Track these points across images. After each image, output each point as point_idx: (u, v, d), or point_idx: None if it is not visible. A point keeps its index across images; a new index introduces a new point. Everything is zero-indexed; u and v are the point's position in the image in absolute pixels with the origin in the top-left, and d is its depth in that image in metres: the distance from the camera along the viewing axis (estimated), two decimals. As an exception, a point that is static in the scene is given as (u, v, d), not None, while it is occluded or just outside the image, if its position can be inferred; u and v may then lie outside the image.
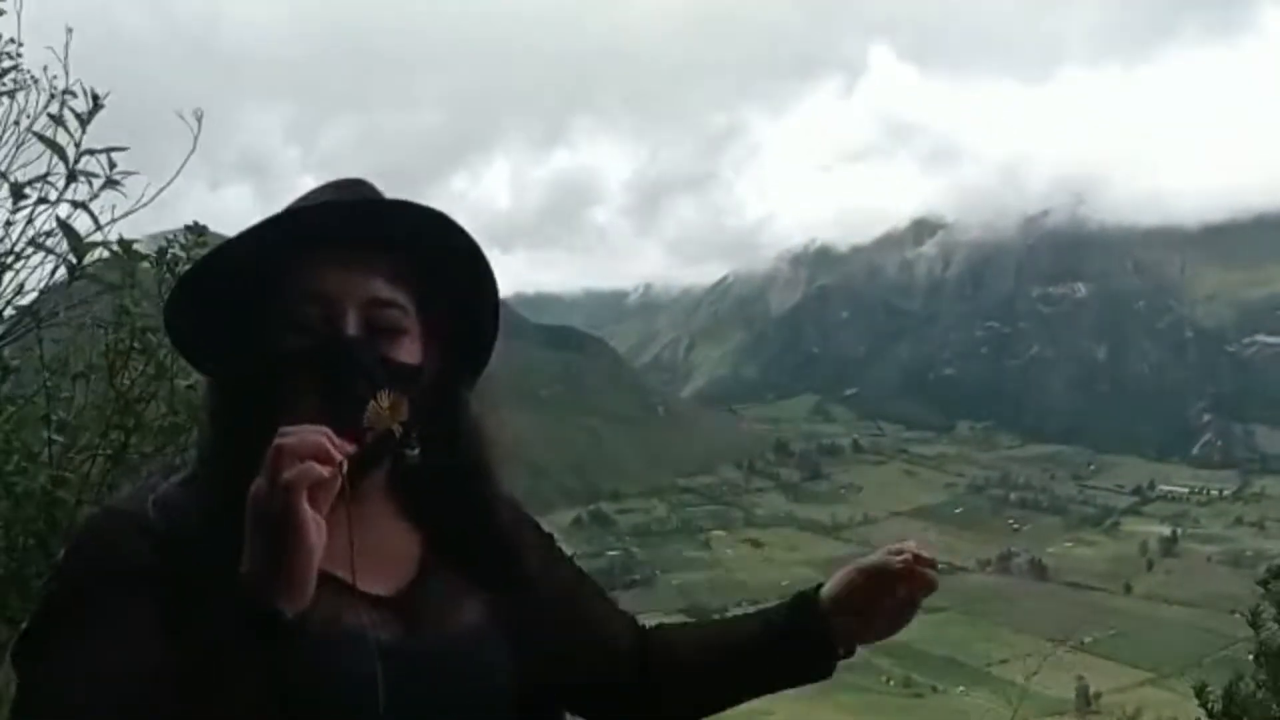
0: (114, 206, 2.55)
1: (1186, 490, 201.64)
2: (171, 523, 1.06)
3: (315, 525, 0.91)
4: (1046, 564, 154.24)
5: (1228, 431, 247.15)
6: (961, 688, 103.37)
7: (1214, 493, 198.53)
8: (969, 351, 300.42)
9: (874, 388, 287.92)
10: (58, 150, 2.44)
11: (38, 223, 2.50)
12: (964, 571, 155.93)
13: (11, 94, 2.52)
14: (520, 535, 1.28)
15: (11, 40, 2.58)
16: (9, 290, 2.58)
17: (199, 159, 2.52)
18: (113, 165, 2.49)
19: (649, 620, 1.45)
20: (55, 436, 2.52)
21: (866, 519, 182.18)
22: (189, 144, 2.56)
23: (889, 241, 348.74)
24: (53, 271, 2.53)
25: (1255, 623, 3.76)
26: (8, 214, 2.52)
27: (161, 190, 2.57)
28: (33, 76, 2.47)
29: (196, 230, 2.68)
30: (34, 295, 2.61)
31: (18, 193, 2.48)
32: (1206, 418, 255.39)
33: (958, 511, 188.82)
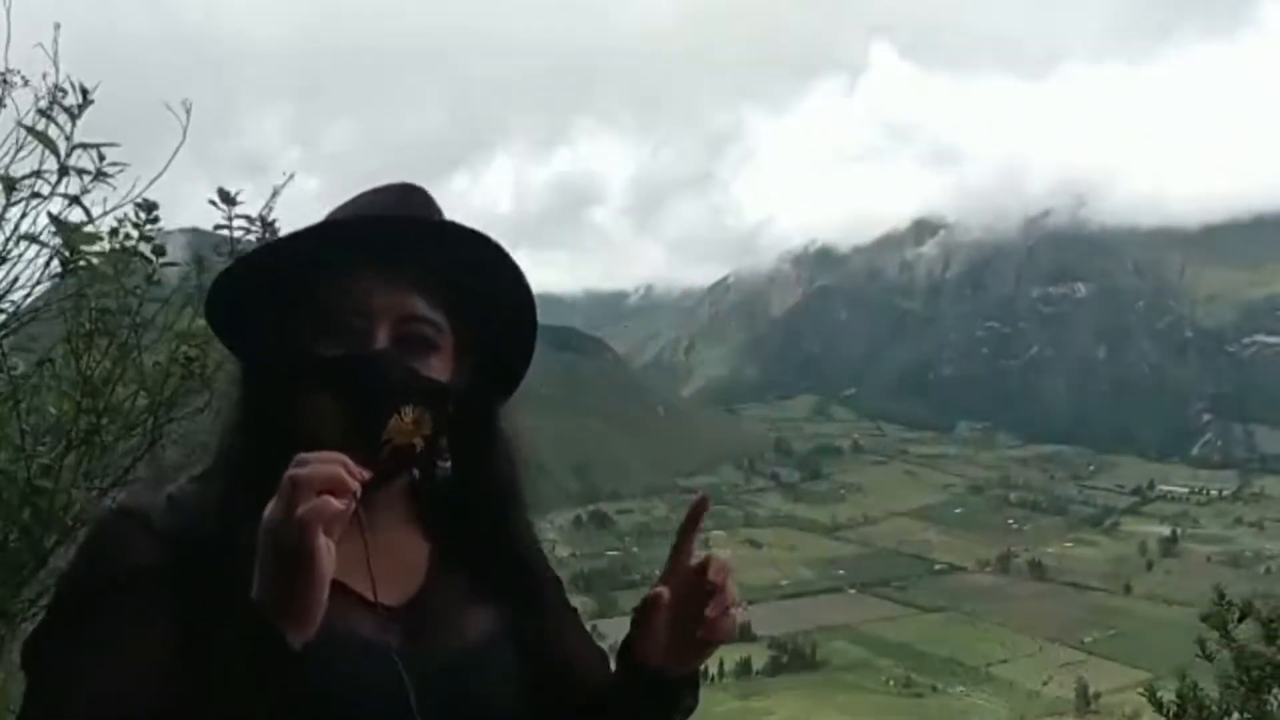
0: (105, 200, 2.57)
1: (1186, 490, 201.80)
2: (183, 523, 1.06)
3: (328, 557, 0.91)
4: (1046, 564, 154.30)
5: (1227, 432, 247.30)
6: (961, 688, 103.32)
7: (1214, 493, 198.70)
8: (969, 352, 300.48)
9: (874, 388, 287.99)
10: (49, 145, 2.44)
11: (31, 218, 2.52)
12: (963, 572, 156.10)
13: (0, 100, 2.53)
14: (537, 558, 1.29)
15: None
16: (3, 285, 2.60)
17: (200, 160, 2.52)
18: (102, 159, 2.49)
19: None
20: (24, 424, 2.52)
21: (866, 519, 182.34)
22: (188, 142, 2.57)
23: (889, 242, 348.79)
24: (46, 264, 2.55)
25: (1207, 655, 3.76)
26: (0, 209, 2.52)
27: (151, 183, 2.60)
28: (23, 76, 2.49)
29: (147, 207, 2.66)
30: (24, 291, 2.62)
31: (10, 187, 2.48)
32: (1206, 418, 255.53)
33: (957, 512, 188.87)
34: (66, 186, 2.49)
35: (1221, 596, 3.67)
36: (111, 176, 2.53)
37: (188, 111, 2.57)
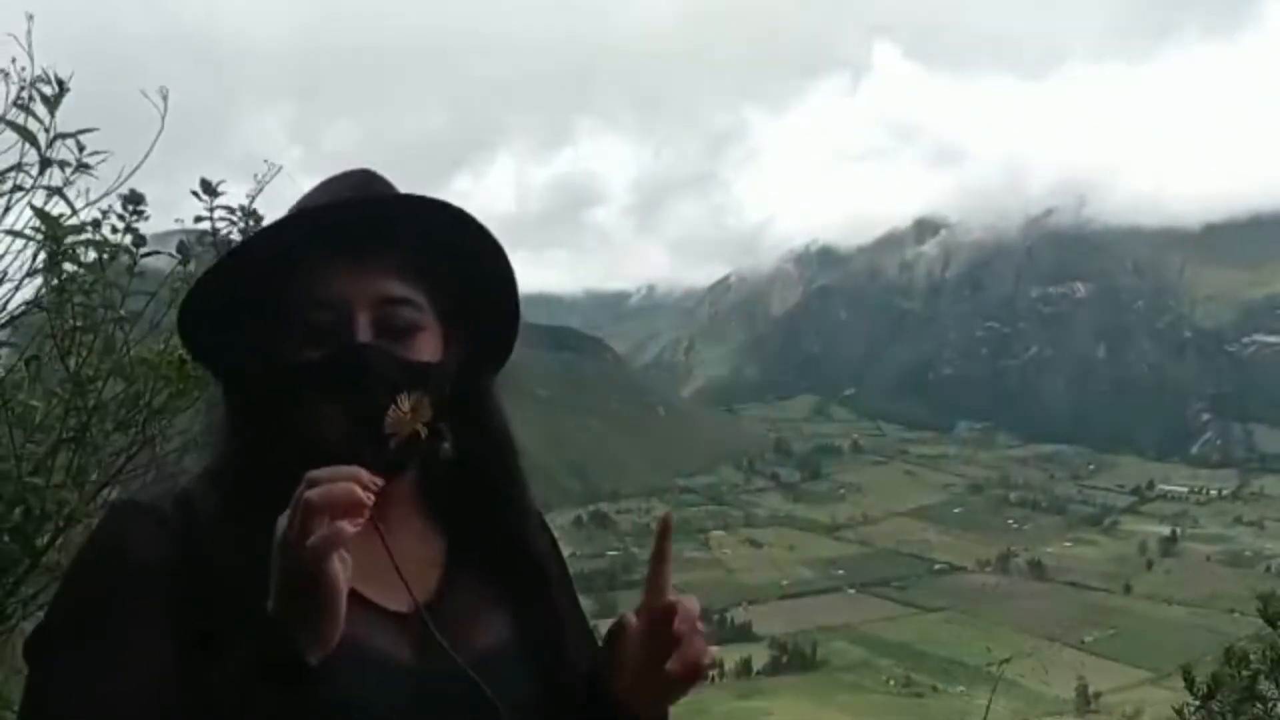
0: (88, 190, 2.52)
1: (1186, 490, 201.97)
2: (193, 521, 1.04)
3: (344, 576, 0.90)
4: (1046, 564, 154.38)
5: (1227, 431, 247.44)
6: (961, 688, 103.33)
7: (1213, 492, 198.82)
8: (968, 352, 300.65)
9: (873, 388, 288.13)
10: (28, 136, 2.40)
11: (16, 212, 2.47)
12: (963, 571, 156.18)
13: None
14: (543, 543, 1.27)
15: None
16: None
17: (201, 160, 2.61)
18: (82, 149, 2.44)
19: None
20: (12, 421, 2.49)
21: (866, 519, 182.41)
22: (186, 139, 2.65)
23: (890, 241, 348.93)
24: (33, 258, 2.51)
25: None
26: None
27: (133, 172, 2.55)
28: (2, 71, 2.43)
29: (134, 199, 2.60)
30: (11, 285, 2.58)
31: None
32: (1206, 417, 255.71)
33: (957, 512, 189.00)
34: (49, 179, 2.44)
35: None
36: (93, 167, 2.48)
37: (165, 99, 2.50)
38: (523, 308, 1.20)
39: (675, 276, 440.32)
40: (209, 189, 2.69)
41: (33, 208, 2.42)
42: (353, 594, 0.92)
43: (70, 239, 2.43)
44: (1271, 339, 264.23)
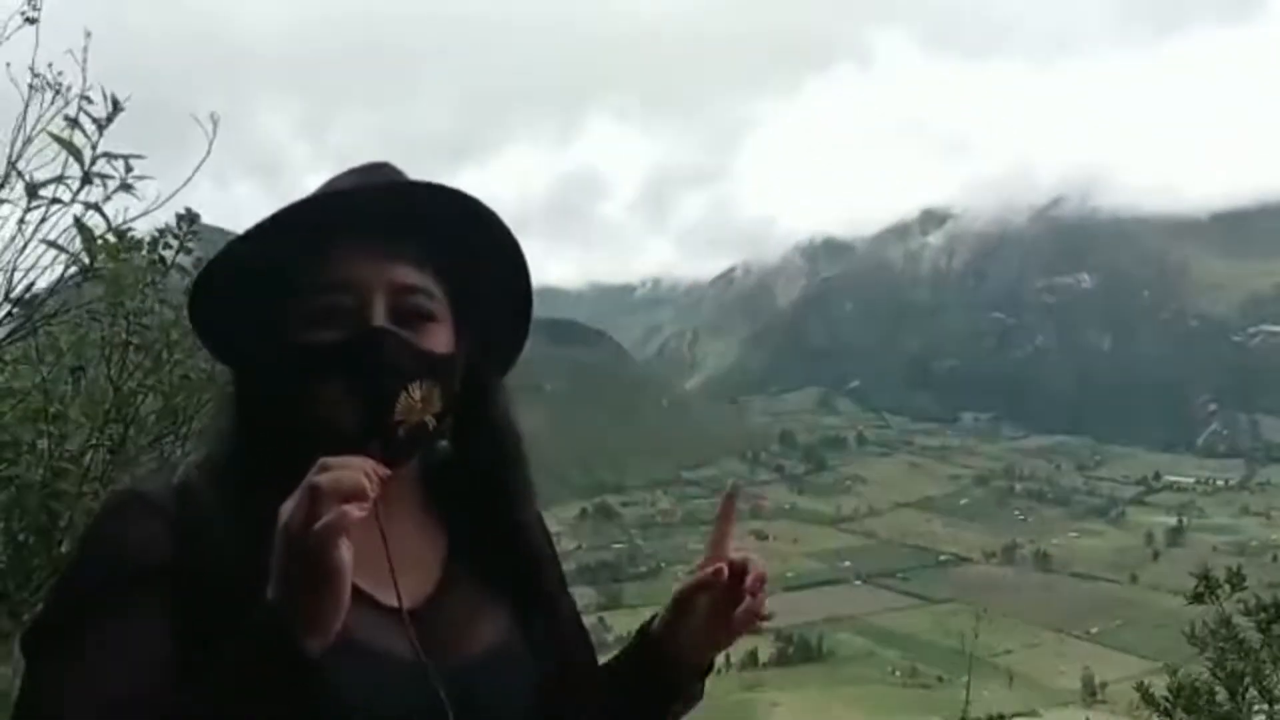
0: (126, 209, 2.56)
1: (1192, 480, 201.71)
2: (193, 512, 1.04)
3: (348, 563, 0.89)
4: (1051, 555, 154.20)
5: (1233, 421, 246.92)
6: (967, 678, 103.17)
7: (1219, 483, 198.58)
8: (974, 343, 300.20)
9: (878, 380, 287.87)
10: (74, 152, 2.43)
11: (51, 222, 2.51)
12: (969, 563, 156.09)
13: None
14: (543, 545, 1.27)
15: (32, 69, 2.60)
16: (19, 289, 2.59)
17: (201, 155, 2.55)
18: (129, 169, 2.49)
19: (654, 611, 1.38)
20: (49, 429, 2.49)
21: (871, 511, 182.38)
22: (197, 140, 2.54)
23: (895, 232, 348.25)
24: (64, 270, 2.55)
25: (1195, 640, 3.77)
26: (21, 212, 2.52)
27: (175, 193, 2.59)
28: (48, 81, 2.48)
29: (189, 218, 2.65)
30: (35, 292, 2.61)
31: (33, 192, 2.47)
32: (1212, 408, 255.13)
33: (962, 503, 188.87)
34: (88, 195, 2.48)
35: (1205, 576, 3.75)
36: (134, 188, 2.52)
37: (215, 124, 2.53)
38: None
39: (681, 269, 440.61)
40: (190, 219, 2.69)
41: (75, 219, 2.45)
42: (352, 588, 0.91)
43: (117, 255, 2.46)
44: (1278, 328, 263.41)
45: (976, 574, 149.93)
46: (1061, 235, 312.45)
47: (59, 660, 0.97)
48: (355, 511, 0.88)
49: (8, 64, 2.42)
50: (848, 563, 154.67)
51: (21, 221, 2.51)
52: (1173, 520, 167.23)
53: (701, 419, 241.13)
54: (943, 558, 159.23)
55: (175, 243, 2.67)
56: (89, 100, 2.45)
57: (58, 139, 2.43)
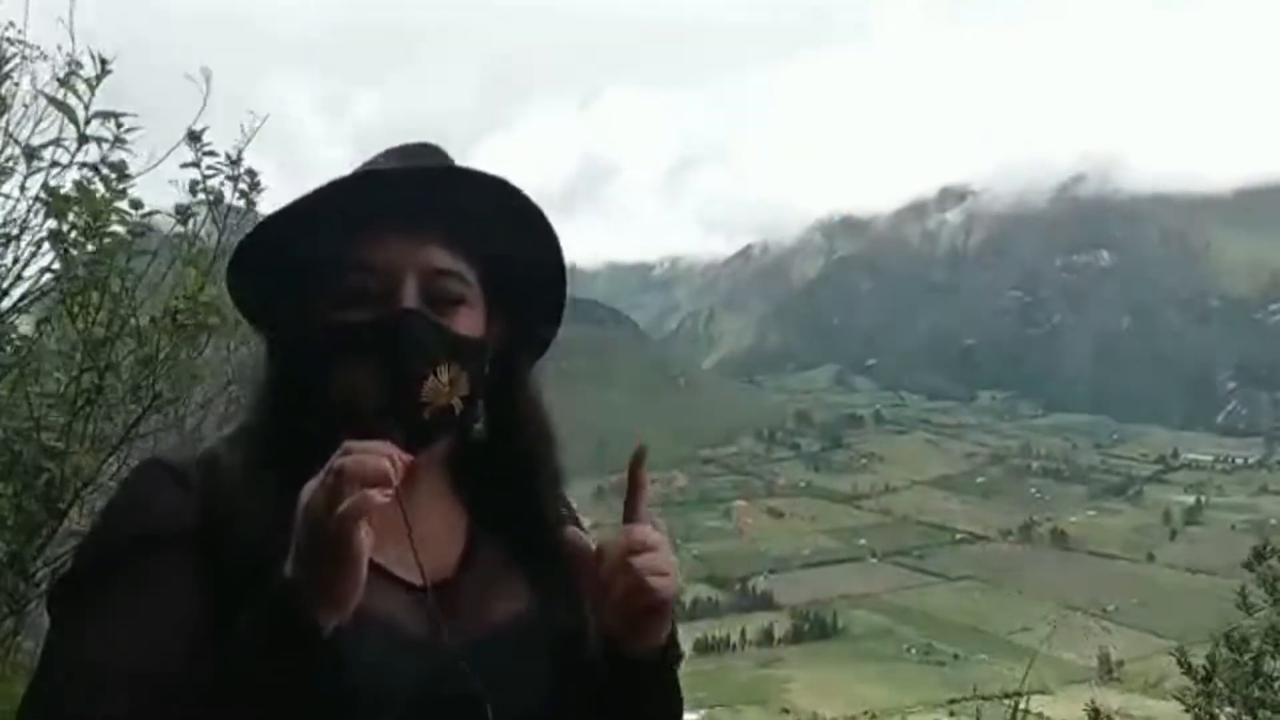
0: (123, 163, 2.58)
1: (1210, 458, 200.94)
2: (216, 484, 1.05)
3: (367, 545, 0.90)
4: (1069, 533, 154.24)
5: (1252, 399, 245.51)
6: (983, 656, 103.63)
7: (1238, 461, 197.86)
8: (992, 321, 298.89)
9: (895, 358, 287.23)
10: (68, 112, 2.44)
11: (52, 185, 2.55)
12: (986, 541, 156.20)
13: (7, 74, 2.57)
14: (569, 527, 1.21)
15: (11, 23, 2.67)
16: (25, 253, 2.65)
17: (228, 132, 2.62)
18: (120, 126, 2.51)
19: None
20: (31, 389, 2.55)
21: (888, 488, 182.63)
22: (216, 112, 2.58)
23: (914, 210, 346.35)
24: (52, 235, 2.57)
25: (1245, 605, 3.89)
26: (21, 178, 2.54)
27: (170, 151, 2.61)
28: (41, 51, 2.52)
29: (118, 168, 2.62)
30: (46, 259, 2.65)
31: (31, 155, 2.50)
32: (1231, 385, 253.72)
33: (979, 481, 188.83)
34: (85, 154, 2.49)
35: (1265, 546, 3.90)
36: (129, 144, 2.51)
37: (207, 79, 2.53)
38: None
39: (698, 248, 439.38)
40: (194, 136, 2.68)
41: (74, 183, 2.48)
42: (372, 565, 0.92)
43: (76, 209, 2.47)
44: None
45: (993, 552, 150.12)
46: (1081, 213, 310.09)
47: (81, 619, 0.98)
48: (378, 497, 0.88)
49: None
50: (864, 541, 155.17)
51: (23, 187, 2.55)
52: (1190, 499, 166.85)
53: (718, 397, 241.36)
54: (959, 536, 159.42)
55: (243, 191, 2.71)
56: (79, 64, 2.45)
57: (52, 99, 2.44)
